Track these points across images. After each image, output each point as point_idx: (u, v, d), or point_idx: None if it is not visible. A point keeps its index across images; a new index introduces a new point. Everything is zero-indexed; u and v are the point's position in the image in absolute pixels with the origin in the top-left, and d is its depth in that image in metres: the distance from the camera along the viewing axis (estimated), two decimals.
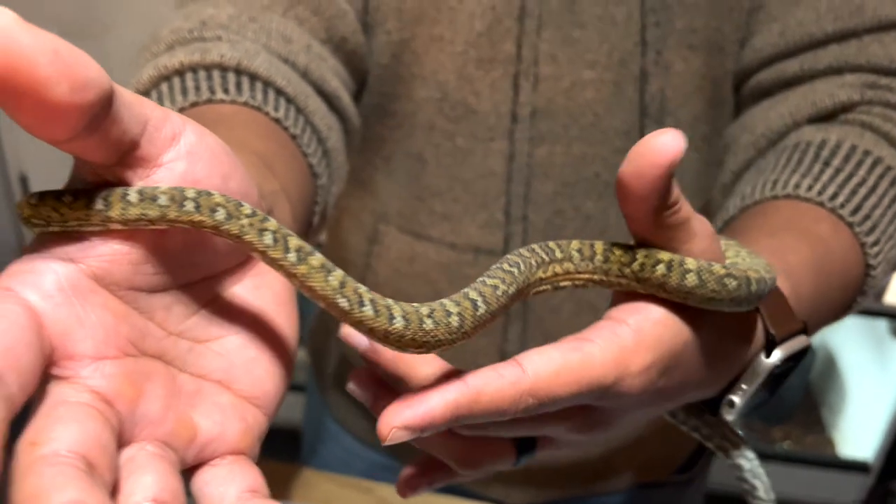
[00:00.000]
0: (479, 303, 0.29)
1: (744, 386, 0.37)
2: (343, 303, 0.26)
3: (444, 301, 0.29)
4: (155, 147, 0.25)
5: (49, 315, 0.23)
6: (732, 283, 0.31)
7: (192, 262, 0.27)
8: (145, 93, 0.47)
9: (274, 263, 0.26)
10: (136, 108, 0.24)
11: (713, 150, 0.62)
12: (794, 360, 0.38)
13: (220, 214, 0.25)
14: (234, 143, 0.35)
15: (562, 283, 0.33)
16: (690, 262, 0.30)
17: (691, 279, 0.30)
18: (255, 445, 0.28)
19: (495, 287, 0.29)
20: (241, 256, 0.29)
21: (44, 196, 0.24)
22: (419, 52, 0.59)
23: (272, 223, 0.26)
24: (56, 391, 0.23)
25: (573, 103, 0.59)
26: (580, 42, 0.57)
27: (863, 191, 0.47)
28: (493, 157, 0.60)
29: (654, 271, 0.31)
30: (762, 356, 0.37)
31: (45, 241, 0.25)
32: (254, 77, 0.46)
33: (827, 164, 0.48)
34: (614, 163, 0.60)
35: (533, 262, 0.31)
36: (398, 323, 0.27)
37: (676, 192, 0.29)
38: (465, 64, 0.58)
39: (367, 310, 0.26)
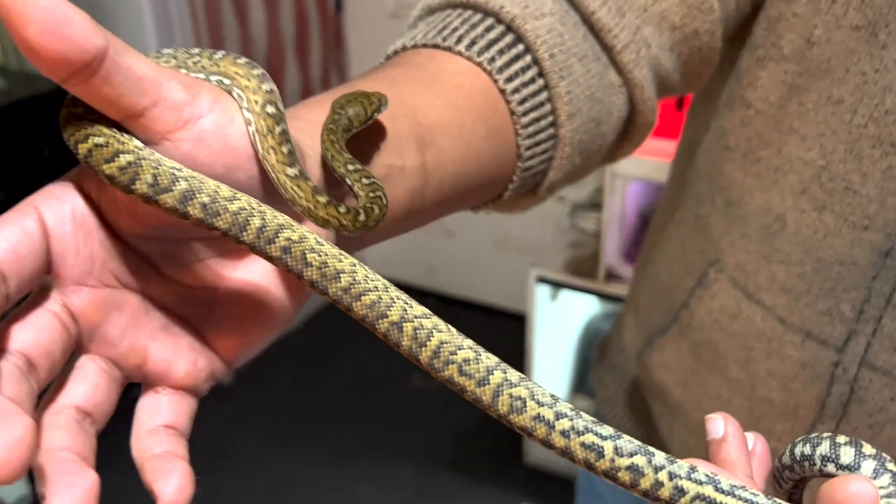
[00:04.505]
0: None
1: None
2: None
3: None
4: (164, 123, 0.28)
5: (56, 237, 0.28)
6: None
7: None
8: (432, 10, 0.49)
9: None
10: (144, 83, 0.27)
11: None
12: None
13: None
14: (407, 107, 0.39)
15: None
16: None
17: None
18: (199, 387, 0.32)
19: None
20: None
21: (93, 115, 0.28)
22: (808, 108, 0.55)
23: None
24: (41, 298, 0.28)
25: None
26: None
27: None
28: (861, 247, 0.55)
29: None
30: None
31: (79, 173, 0.30)
32: (519, 38, 0.45)
33: None
34: None
35: None
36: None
37: None
38: (859, 138, 0.53)
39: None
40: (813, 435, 0.32)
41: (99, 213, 0.29)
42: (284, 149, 0.30)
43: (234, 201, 0.29)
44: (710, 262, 0.64)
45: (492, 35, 0.46)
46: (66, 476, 0.25)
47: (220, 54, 0.32)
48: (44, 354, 0.27)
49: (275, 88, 0.31)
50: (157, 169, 0.27)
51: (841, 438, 0.31)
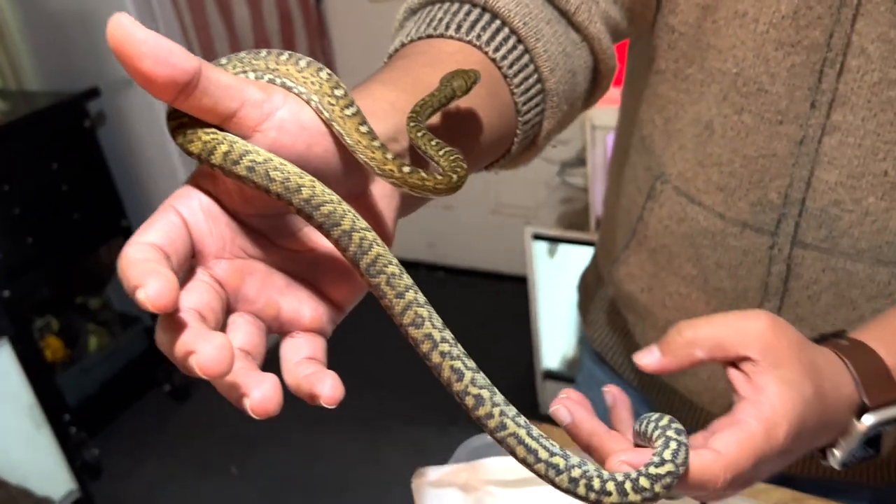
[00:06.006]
0: None
1: (842, 442, 0.43)
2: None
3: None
4: (252, 119, 0.35)
5: (193, 225, 0.35)
6: None
7: None
8: (414, 11, 0.58)
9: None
10: (231, 90, 0.34)
11: None
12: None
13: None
14: (420, 82, 0.46)
15: None
16: None
17: None
18: (324, 328, 0.39)
19: None
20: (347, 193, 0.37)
21: (194, 121, 0.35)
22: (720, 24, 0.62)
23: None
24: (191, 275, 0.35)
25: (875, 99, 0.58)
26: (894, 42, 0.56)
27: None
28: (779, 140, 0.62)
29: None
30: (854, 419, 0.42)
31: (197, 177, 0.37)
32: (495, 16, 0.54)
33: None
34: None
35: None
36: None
37: None
38: (763, 44, 0.60)
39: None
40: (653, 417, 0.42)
41: (219, 202, 0.37)
42: (363, 128, 0.37)
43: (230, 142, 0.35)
44: (656, 177, 0.72)
45: (472, 17, 0.54)
46: (254, 377, 0.32)
47: (263, 53, 0.38)
48: (209, 310, 0.34)
49: (331, 74, 0.37)
50: (237, 148, 0.35)
51: (655, 415, 0.41)
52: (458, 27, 0.53)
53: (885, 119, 0.58)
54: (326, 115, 0.37)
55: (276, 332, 0.39)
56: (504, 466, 0.74)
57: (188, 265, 0.36)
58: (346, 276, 0.40)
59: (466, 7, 0.54)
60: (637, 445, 0.43)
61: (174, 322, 0.32)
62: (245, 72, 0.37)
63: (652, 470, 0.38)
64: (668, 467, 0.38)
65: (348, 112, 0.37)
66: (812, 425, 0.42)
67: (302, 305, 0.39)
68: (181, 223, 0.35)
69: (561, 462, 0.37)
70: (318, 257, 0.40)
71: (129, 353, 2.53)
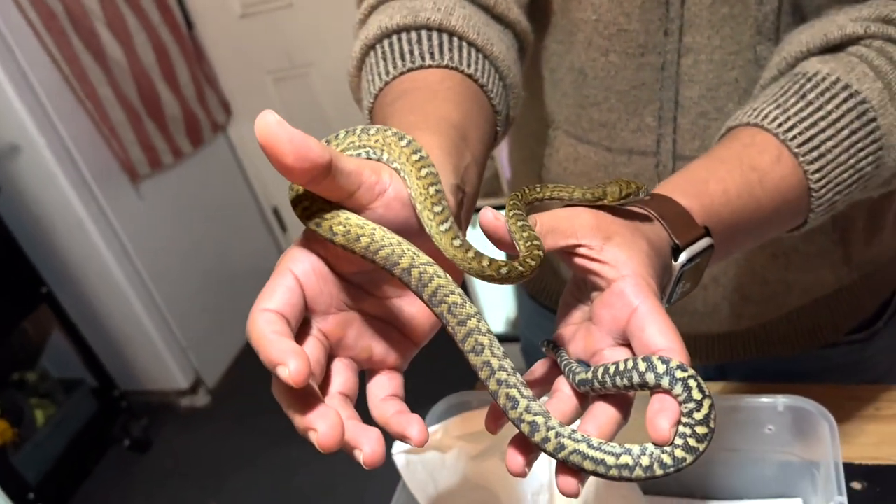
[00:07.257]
0: None
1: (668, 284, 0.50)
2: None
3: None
4: (365, 199, 0.40)
5: (306, 286, 0.40)
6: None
7: None
8: (371, 46, 0.60)
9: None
10: (352, 176, 0.38)
11: None
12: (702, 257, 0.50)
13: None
14: (442, 119, 0.50)
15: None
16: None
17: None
18: (403, 365, 0.45)
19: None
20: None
21: (311, 197, 0.39)
22: None
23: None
24: (306, 328, 0.41)
25: (714, 17, 0.66)
26: None
27: (823, 124, 0.54)
28: (645, 70, 0.70)
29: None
30: (672, 260, 0.49)
31: (307, 239, 0.41)
32: (452, 34, 0.58)
33: (803, 97, 0.55)
34: (750, 71, 0.67)
35: None
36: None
37: None
38: None
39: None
40: (620, 365, 0.40)
41: (327, 262, 0.41)
42: (456, 242, 0.40)
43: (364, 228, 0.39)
44: (548, 126, 0.79)
45: (435, 41, 0.57)
46: (362, 431, 0.38)
47: (404, 142, 0.41)
48: (317, 365, 0.40)
49: (425, 155, 0.41)
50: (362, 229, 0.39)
51: (641, 365, 0.39)
52: (431, 55, 0.57)
53: (726, 34, 0.66)
54: (427, 230, 0.41)
55: (364, 369, 0.45)
56: (469, 422, 0.80)
57: (302, 319, 0.40)
58: (423, 321, 0.45)
59: (425, 33, 0.58)
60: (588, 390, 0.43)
61: (300, 394, 0.37)
62: (382, 149, 0.42)
63: (697, 416, 0.39)
64: (708, 402, 0.39)
65: (443, 228, 0.40)
66: (661, 274, 0.47)
67: (389, 349, 0.45)
68: (297, 286, 0.40)
69: (629, 460, 0.39)
70: (402, 305, 0.45)
71: (78, 418, 2.48)
